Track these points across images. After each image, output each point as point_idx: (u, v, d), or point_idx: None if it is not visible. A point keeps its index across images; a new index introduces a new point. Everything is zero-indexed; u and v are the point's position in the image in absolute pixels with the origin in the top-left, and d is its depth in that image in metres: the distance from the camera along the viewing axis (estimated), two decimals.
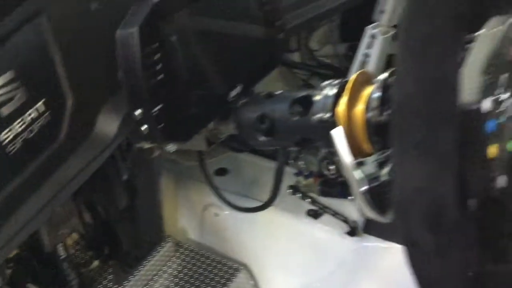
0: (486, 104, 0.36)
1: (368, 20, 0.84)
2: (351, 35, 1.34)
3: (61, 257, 0.93)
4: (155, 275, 1.15)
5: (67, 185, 0.53)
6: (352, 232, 1.02)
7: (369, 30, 0.79)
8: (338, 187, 0.82)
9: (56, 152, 0.49)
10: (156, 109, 0.51)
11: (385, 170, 0.44)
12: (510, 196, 0.45)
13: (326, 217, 1.07)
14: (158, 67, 0.52)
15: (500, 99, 0.41)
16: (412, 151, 0.30)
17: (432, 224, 0.31)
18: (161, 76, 0.53)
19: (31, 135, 0.46)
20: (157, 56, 0.52)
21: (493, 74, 0.39)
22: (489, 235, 0.47)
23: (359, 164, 0.44)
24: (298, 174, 0.97)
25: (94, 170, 0.56)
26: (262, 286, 1.14)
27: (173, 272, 1.17)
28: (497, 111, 0.37)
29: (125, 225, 1.06)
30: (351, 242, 1.02)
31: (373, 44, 0.79)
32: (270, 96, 0.59)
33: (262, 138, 0.58)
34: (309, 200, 1.09)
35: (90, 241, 1.09)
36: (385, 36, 0.78)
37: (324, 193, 0.96)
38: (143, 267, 1.12)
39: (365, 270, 1.00)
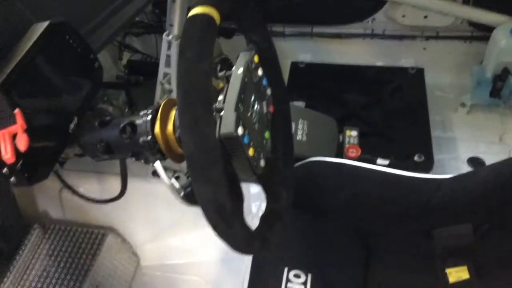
0: (240, 130, 0.60)
1: None
2: None
3: None
4: (32, 259, 1.29)
5: None
6: None
7: (165, 38, 0.98)
8: None
9: None
10: (18, 164, 0.67)
11: None
12: (270, 169, 0.74)
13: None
14: None
15: (250, 115, 0.66)
16: (200, 180, 0.54)
17: (220, 214, 0.56)
18: None
19: None
20: None
21: (244, 106, 0.64)
22: (269, 186, 0.76)
23: (176, 178, 0.68)
24: None
25: None
26: (129, 240, 1.37)
27: (47, 252, 1.32)
28: (247, 131, 0.62)
29: None
30: None
31: (171, 47, 0.99)
32: (103, 123, 0.77)
33: (104, 156, 0.77)
34: None
35: None
36: (178, 41, 0.97)
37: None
38: (20, 256, 1.27)
39: None
